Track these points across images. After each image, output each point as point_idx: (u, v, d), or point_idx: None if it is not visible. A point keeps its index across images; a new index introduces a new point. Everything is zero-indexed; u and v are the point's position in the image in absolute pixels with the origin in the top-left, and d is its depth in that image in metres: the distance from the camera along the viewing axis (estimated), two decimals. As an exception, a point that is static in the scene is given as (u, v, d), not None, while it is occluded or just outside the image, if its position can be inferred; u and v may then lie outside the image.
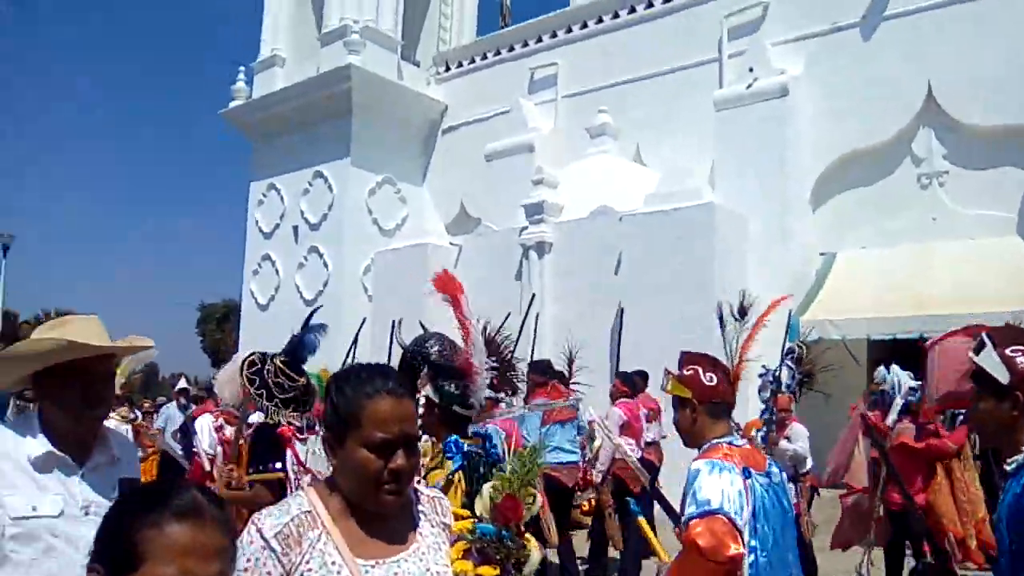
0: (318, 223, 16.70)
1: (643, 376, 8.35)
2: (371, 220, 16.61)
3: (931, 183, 11.65)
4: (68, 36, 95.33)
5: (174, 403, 12.41)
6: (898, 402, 6.72)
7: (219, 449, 6.43)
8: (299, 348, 4.25)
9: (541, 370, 7.45)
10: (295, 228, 17.14)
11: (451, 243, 14.97)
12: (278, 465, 3.82)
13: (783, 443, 6.91)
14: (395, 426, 1.64)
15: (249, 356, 4.21)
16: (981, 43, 11.08)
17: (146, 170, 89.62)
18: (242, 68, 18.74)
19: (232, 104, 18.49)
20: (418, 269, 14.65)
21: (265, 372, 4.08)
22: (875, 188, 12.04)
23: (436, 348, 2.79)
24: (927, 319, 9.72)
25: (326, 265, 16.42)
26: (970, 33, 11.19)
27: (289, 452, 3.88)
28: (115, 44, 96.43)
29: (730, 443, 2.82)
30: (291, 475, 3.84)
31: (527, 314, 8.48)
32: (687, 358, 2.99)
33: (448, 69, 17.88)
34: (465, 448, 2.43)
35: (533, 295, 10.66)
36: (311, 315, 4.50)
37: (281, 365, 4.10)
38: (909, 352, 10.14)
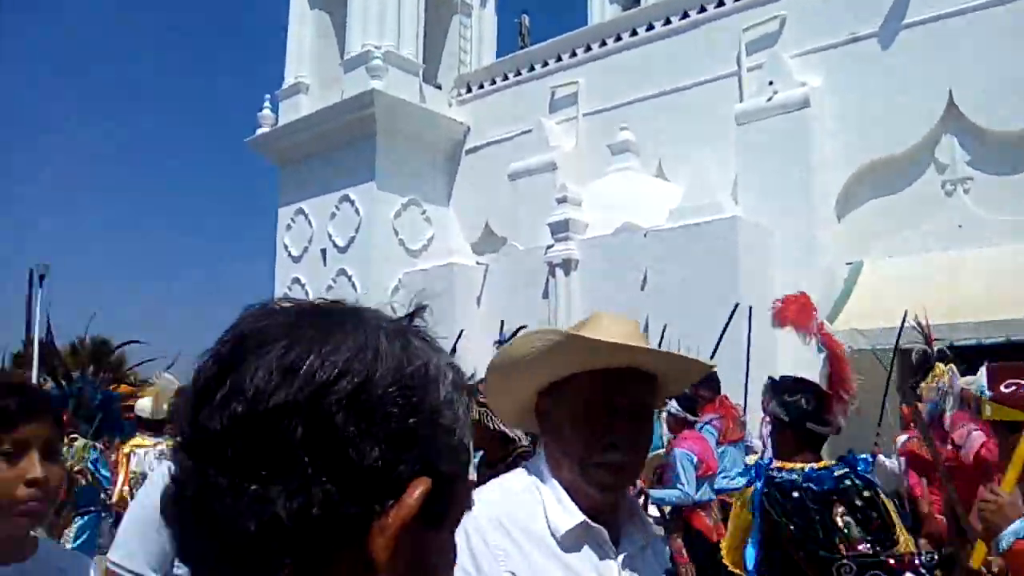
0: (346, 246, 16.92)
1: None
2: (398, 241, 16.81)
3: (956, 189, 11.62)
4: (98, 70, 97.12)
5: None
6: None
7: None
8: None
9: (711, 384, 6.63)
10: (323, 251, 17.38)
11: (477, 262, 15.13)
12: None
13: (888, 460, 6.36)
14: None
15: None
16: (1001, 48, 11.06)
17: (176, 199, 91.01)
18: (267, 96, 19.08)
19: (258, 132, 18.80)
20: (445, 289, 14.81)
21: None
22: (900, 196, 12.01)
23: None
24: (956, 327, 9.69)
25: (355, 287, 16.61)
26: (990, 38, 11.18)
27: None
28: (143, 77, 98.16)
29: None
30: None
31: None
32: (1001, 371, 2.68)
33: (470, 90, 18.09)
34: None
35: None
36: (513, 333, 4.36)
37: None
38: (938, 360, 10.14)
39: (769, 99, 12.49)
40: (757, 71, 13.12)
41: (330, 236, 17.18)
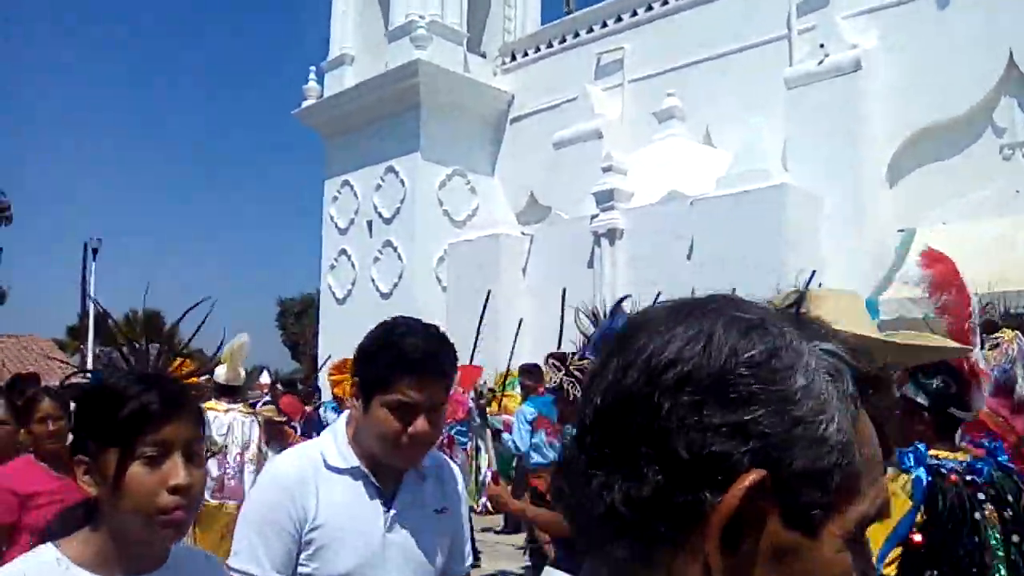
0: (391, 217, 17.01)
1: None
2: (442, 212, 16.86)
3: (1014, 154, 11.27)
4: (140, 45, 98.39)
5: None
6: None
7: None
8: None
9: None
10: (369, 223, 17.50)
11: (523, 232, 15.10)
12: None
13: None
14: None
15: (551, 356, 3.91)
16: (1065, 6, 10.66)
17: (223, 170, 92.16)
18: (313, 68, 19.18)
19: (304, 104, 18.93)
20: (491, 259, 14.84)
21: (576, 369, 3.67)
22: (955, 161, 11.68)
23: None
24: (1013, 295, 9.44)
25: (400, 258, 16.73)
26: (1053, -4, 10.77)
27: None
28: (189, 49, 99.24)
29: None
30: None
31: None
32: None
33: (514, 59, 17.97)
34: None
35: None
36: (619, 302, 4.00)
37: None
38: (992, 329, 9.91)
39: (820, 62, 12.20)
40: (808, 33, 12.81)
41: (376, 207, 17.28)
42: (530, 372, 8.20)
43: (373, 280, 17.14)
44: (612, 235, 12.98)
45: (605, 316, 4.19)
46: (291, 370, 33.77)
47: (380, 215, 17.21)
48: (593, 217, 13.28)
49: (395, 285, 16.67)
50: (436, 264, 16.46)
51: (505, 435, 6.56)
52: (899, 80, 11.89)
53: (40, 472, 3.29)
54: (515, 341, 10.12)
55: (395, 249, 16.85)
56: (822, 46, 12.32)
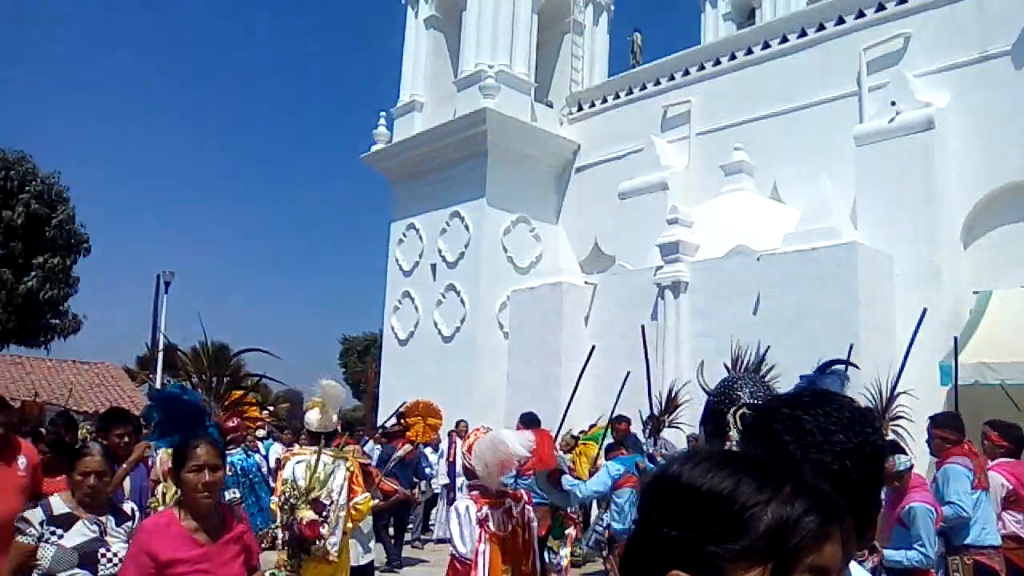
0: (455, 261, 17.21)
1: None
2: (506, 258, 17.00)
3: (1095, 217, 11.01)
4: (217, 84, 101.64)
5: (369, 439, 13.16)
6: None
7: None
8: None
9: (953, 425, 5.73)
10: (433, 266, 17.71)
11: (586, 282, 15.14)
12: None
13: None
14: None
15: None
16: None
17: (293, 209, 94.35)
18: (382, 113, 19.63)
19: (373, 148, 19.35)
20: (554, 307, 14.91)
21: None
22: (1033, 223, 11.44)
23: (748, 390, 2.48)
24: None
25: (463, 302, 16.87)
26: None
27: None
28: (262, 97, 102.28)
29: None
30: None
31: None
32: None
33: (581, 109, 18.16)
34: None
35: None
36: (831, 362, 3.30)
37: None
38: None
39: (891, 120, 12.10)
40: (879, 91, 12.73)
41: (440, 251, 17.51)
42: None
43: (435, 323, 17.31)
44: (676, 287, 12.94)
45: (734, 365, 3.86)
46: (351, 407, 34.09)
47: (444, 259, 17.43)
48: (657, 268, 13.27)
49: (457, 329, 16.80)
50: (498, 310, 16.56)
51: (568, 479, 6.06)
52: (973, 139, 11.73)
53: (184, 535, 2.99)
54: (578, 380, 10.12)
55: (458, 293, 17.01)
56: (893, 103, 12.22)
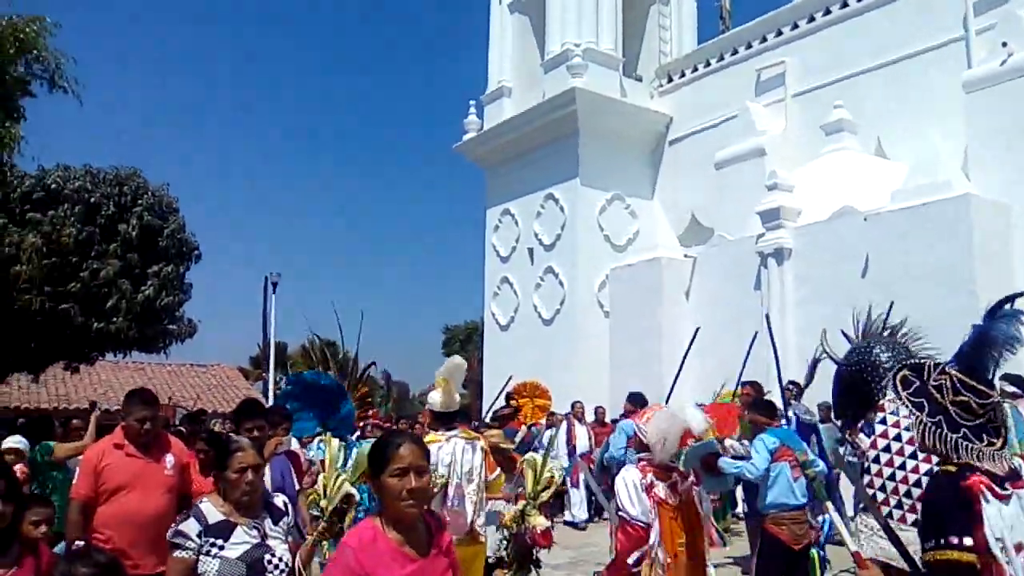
0: (552, 243, 17.15)
1: None
2: (603, 237, 16.83)
3: None
4: (302, 84, 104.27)
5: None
6: None
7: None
8: (986, 349, 2.72)
9: None
10: (530, 250, 17.70)
11: (685, 255, 14.87)
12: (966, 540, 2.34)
13: None
14: None
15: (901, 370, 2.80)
16: None
17: (390, 206, 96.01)
18: (472, 102, 19.72)
19: (465, 137, 19.46)
20: (653, 283, 14.69)
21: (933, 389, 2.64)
22: None
23: (886, 354, 2.14)
24: None
25: (562, 284, 16.81)
26: None
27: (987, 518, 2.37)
28: (352, 87, 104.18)
29: None
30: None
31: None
32: None
33: (671, 80, 17.79)
34: None
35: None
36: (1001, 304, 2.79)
37: (961, 376, 2.64)
38: None
39: (1003, 62, 11.37)
40: (988, 32, 12.00)
41: (536, 235, 17.48)
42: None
43: (535, 306, 17.30)
44: (779, 255, 12.54)
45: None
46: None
47: (541, 242, 17.39)
48: (759, 237, 12.89)
49: (557, 311, 16.75)
50: (598, 289, 16.42)
51: (727, 461, 5.41)
52: (1096, 76, 10.91)
53: (394, 551, 2.48)
54: (683, 361, 9.92)
55: (556, 275, 16.95)
56: (1004, 44, 11.48)
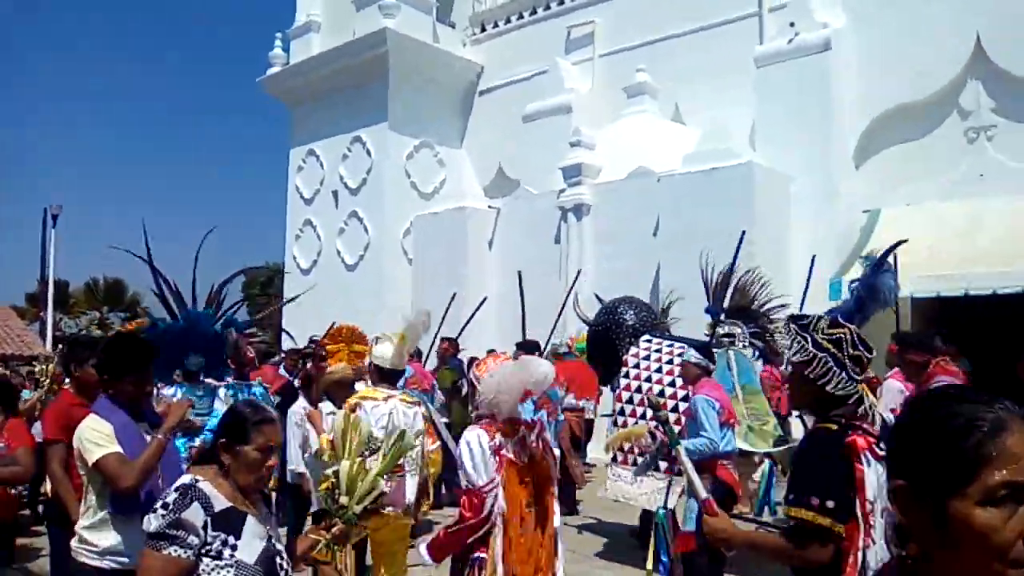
0: (358, 188, 16.80)
1: None
2: (410, 184, 16.67)
3: (979, 137, 11.35)
4: (104, 12, 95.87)
5: None
6: None
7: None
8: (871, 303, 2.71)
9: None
10: (335, 193, 17.27)
11: (489, 206, 15.01)
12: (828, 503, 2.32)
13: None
14: None
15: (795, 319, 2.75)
16: (1033, -10, 10.69)
17: (186, 138, 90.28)
18: (278, 35, 18.80)
19: (270, 71, 18.58)
20: (457, 232, 14.74)
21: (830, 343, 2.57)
22: (921, 143, 11.73)
23: (630, 312, 2.02)
24: (973, 277, 9.56)
25: (366, 230, 16.54)
26: (1021, -20, 10.79)
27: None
28: (150, 17, 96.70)
29: None
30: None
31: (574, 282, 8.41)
32: None
33: (484, 30, 17.74)
34: None
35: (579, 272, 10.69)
36: (888, 251, 2.61)
37: (857, 331, 2.62)
38: (953, 310, 10.02)
39: (790, 41, 12.16)
40: (779, 11, 12.78)
41: (342, 178, 17.05)
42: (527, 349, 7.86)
43: (339, 251, 16.95)
44: (579, 210, 12.94)
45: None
46: (258, 340, 33.37)
47: (346, 186, 16.99)
48: (560, 192, 13.22)
49: (361, 257, 16.50)
50: (403, 236, 16.29)
51: (685, 444, 4.79)
52: (868, 60, 11.89)
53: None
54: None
55: (361, 220, 16.65)
56: (792, 24, 12.27)
